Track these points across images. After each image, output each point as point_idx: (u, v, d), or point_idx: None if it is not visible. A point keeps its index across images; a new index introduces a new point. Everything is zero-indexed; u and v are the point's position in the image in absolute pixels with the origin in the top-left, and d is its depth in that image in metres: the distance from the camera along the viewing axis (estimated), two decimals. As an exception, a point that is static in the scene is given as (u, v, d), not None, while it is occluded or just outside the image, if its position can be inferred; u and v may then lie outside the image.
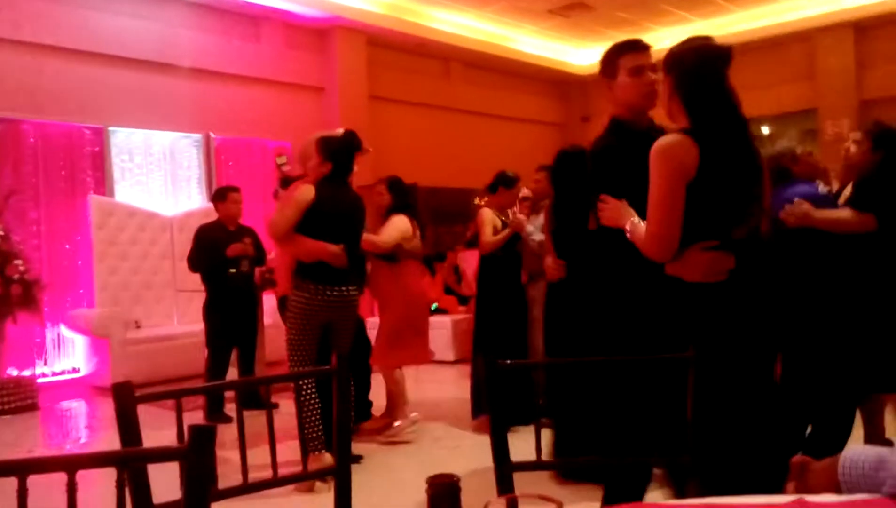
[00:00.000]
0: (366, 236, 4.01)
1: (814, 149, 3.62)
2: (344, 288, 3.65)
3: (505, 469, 1.48)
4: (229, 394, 4.92)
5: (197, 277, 5.14)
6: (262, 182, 7.66)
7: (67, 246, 6.57)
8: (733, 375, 1.94)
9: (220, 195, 5.21)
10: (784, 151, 3.41)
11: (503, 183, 4.75)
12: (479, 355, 4.82)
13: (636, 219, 2.07)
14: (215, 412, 4.75)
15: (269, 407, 1.78)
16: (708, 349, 1.90)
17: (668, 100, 2.06)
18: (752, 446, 2.01)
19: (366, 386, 4.59)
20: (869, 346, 3.18)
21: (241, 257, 4.96)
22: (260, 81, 7.93)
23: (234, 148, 7.78)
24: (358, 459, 3.85)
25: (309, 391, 3.51)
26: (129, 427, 1.24)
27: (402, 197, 4.41)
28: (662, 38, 9.66)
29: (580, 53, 11.03)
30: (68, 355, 6.51)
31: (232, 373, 5.12)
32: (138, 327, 6.48)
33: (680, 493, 2.24)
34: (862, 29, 9.20)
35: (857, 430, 3.29)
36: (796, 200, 3.14)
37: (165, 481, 1.39)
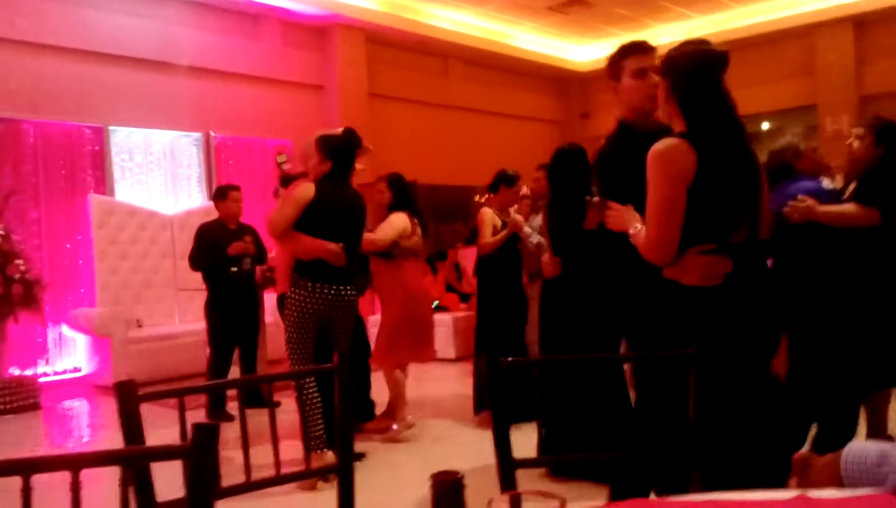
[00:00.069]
0: (364, 234, 4.01)
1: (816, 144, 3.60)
2: (341, 288, 3.63)
3: (507, 467, 1.49)
4: (231, 393, 4.93)
5: (198, 275, 5.15)
6: (261, 181, 7.66)
7: (68, 245, 6.57)
8: (730, 377, 1.94)
9: (220, 194, 5.21)
10: (787, 146, 3.40)
11: (504, 182, 4.76)
12: (481, 352, 4.83)
13: (639, 225, 2.07)
14: (217, 410, 4.75)
15: (272, 405, 1.79)
16: (705, 352, 1.88)
17: (664, 103, 2.07)
18: (750, 444, 2.02)
19: (366, 386, 4.60)
20: (872, 341, 3.18)
21: (242, 256, 4.97)
22: (259, 80, 7.92)
23: (234, 147, 7.78)
24: (361, 457, 3.86)
25: (310, 390, 3.51)
26: (132, 426, 1.24)
27: (403, 194, 4.40)
28: (661, 35, 9.65)
29: (579, 50, 11.02)
30: (70, 354, 6.51)
31: (233, 372, 5.13)
32: (139, 326, 6.48)
33: (678, 489, 2.24)
34: (861, 24, 9.19)
35: (859, 425, 3.29)
36: (799, 195, 3.14)
37: (168, 479, 1.39)
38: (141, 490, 1.21)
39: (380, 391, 4.56)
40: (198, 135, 7.50)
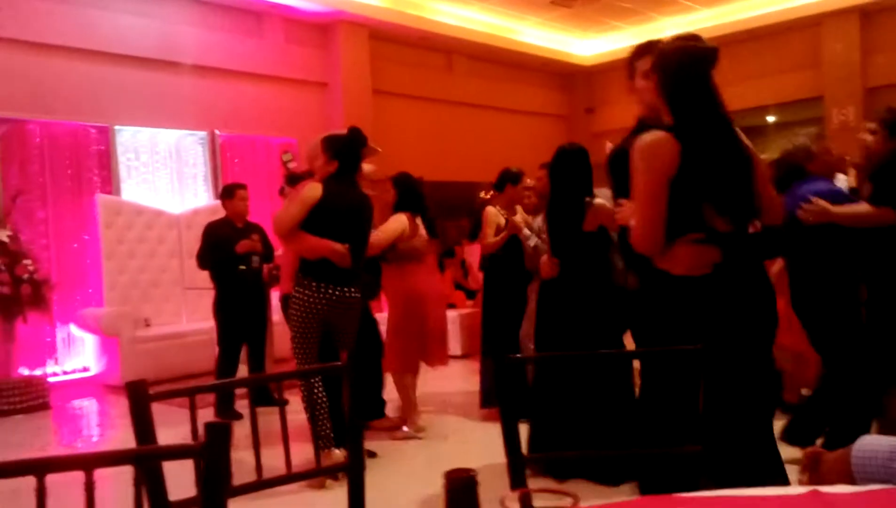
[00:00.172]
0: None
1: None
2: (346, 289, 3.61)
3: (517, 464, 1.49)
4: (239, 391, 4.94)
5: (205, 274, 5.16)
6: (267, 179, 7.67)
7: (76, 245, 6.60)
8: (721, 367, 1.94)
9: (227, 193, 5.22)
10: (799, 148, 3.38)
11: (509, 180, 4.78)
12: (487, 348, 4.83)
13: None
14: (226, 409, 4.78)
15: (281, 404, 1.79)
16: (694, 342, 1.93)
17: (656, 97, 2.11)
18: (745, 432, 2.03)
19: (377, 385, 4.59)
20: (887, 338, 3.18)
21: (250, 254, 4.98)
22: (263, 78, 7.93)
23: (240, 145, 7.79)
24: (372, 455, 3.87)
25: (317, 389, 3.51)
26: (143, 426, 1.25)
27: (407, 194, 4.35)
28: (666, 28, 9.61)
29: (584, 44, 10.98)
30: (78, 354, 6.54)
31: (241, 370, 5.14)
32: (147, 325, 6.50)
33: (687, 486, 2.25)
34: (867, 15, 9.13)
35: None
36: (812, 198, 3.13)
37: (178, 478, 1.40)
38: (153, 490, 1.22)
39: (393, 390, 4.55)
40: (203, 134, 7.51)
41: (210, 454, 0.96)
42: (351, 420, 1.59)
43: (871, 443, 1.15)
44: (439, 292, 4.60)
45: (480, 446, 3.75)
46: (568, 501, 0.80)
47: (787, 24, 9.42)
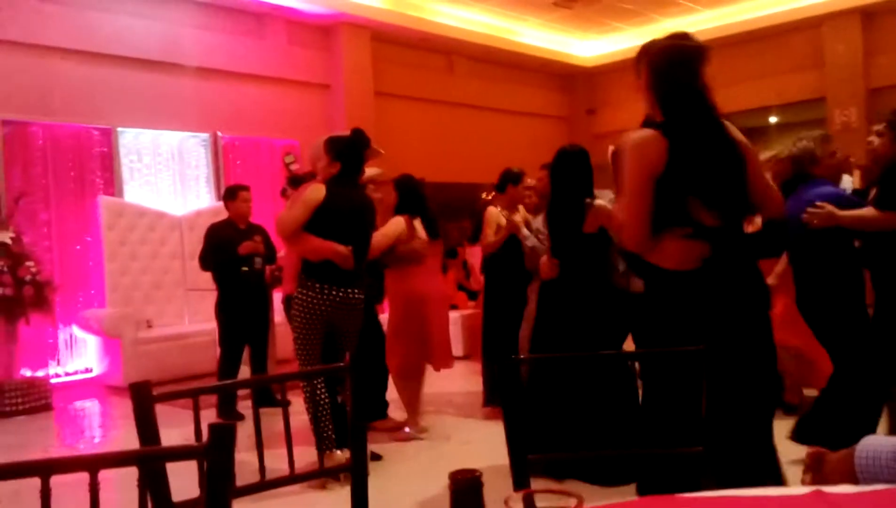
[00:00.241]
0: None
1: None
2: (349, 290, 3.61)
3: (520, 464, 1.49)
4: (241, 392, 4.95)
5: (207, 276, 5.17)
6: (269, 180, 7.68)
7: (78, 247, 6.61)
8: (713, 363, 1.95)
9: (230, 194, 5.23)
10: (803, 152, 3.37)
11: (510, 180, 4.78)
12: (488, 349, 4.84)
13: None
14: (228, 410, 4.78)
15: (284, 405, 1.79)
16: (682, 335, 2.01)
17: (645, 93, 2.14)
18: (740, 431, 2.04)
19: (381, 385, 4.58)
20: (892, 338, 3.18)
21: (252, 256, 4.98)
22: (265, 80, 7.94)
23: (242, 147, 7.80)
24: (377, 457, 3.86)
25: (319, 391, 3.51)
26: (147, 427, 1.25)
27: (407, 197, 4.32)
28: (668, 29, 9.61)
29: (585, 45, 10.99)
30: (81, 355, 6.55)
31: (243, 371, 5.15)
32: (149, 326, 6.52)
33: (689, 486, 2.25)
34: (869, 16, 9.13)
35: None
36: (818, 202, 3.13)
37: (182, 479, 1.40)
38: (156, 491, 1.22)
39: (395, 390, 4.54)
40: (205, 135, 7.52)
41: (214, 455, 0.96)
42: (354, 422, 1.60)
43: (875, 443, 1.15)
44: (441, 294, 4.55)
45: (482, 446, 3.75)
46: (572, 501, 0.81)
47: (789, 25, 9.41)
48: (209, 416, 4.25)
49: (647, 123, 2.39)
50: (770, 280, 3.64)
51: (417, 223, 4.29)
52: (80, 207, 6.60)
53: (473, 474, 0.80)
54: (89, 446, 4.70)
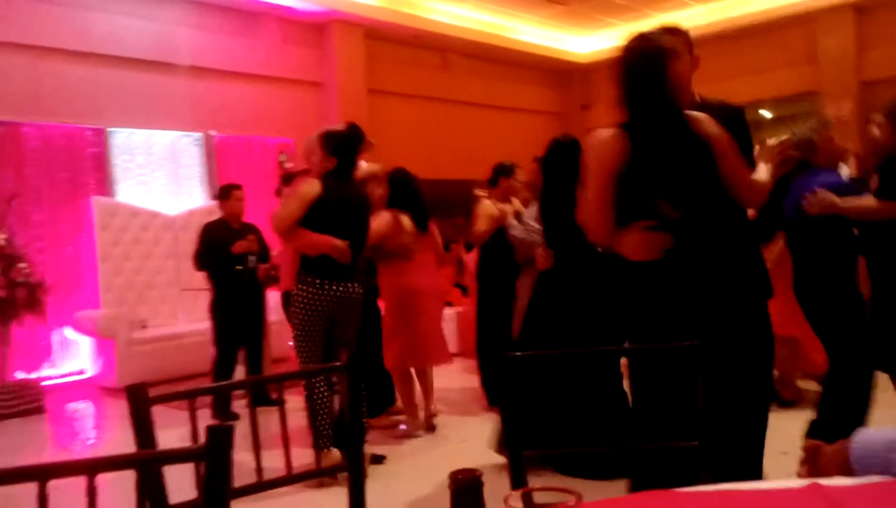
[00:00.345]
0: None
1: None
2: (349, 285, 3.61)
3: (518, 463, 1.48)
4: (236, 391, 4.94)
5: (201, 275, 5.15)
6: (263, 179, 7.66)
7: (71, 248, 6.58)
8: (671, 351, 1.96)
9: (224, 193, 5.22)
10: (802, 140, 3.38)
11: (501, 173, 4.79)
12: (483, 346, 4.84)
13: None
14: (223, 409, 4.77)
15: (280, 404, 1.79)
16: (643, 325, 2.13)
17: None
18: (721, 424, 2.06)
19: (384, 381, 4.56)
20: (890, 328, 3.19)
21: (246, 255, 4.97)
22: (258, 78, 7.92)
23: (235, 146, 7.77)
24: (382, 459, 3.84)
25: (319, 388, 3.50)
26: (144, 430, 1.24)
27: (398, 191, 4.28)
28: (660, 24, 9.62)
29: (579, 42, 10.99)
30: (74, 357, 6.52)
31: (238, 371, 5.14)
32: (143, 327, 6.49)
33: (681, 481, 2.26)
34: (862, 10, 9.15)
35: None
36: (817, 189, 3.13)
37: (178, 480, 1.40)
38: (154, 493, 1.22)
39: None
40: (198, 135, 7.49)
41: (212, 457, 0.96)
42: (352, 420, 1.59)
43: (870, 435, 1.16)
44: (435, 289, 4.50)
45: (480, 443, 3.75)
46: (571, 499, 0.81)
47: (782, 19, 9.43)
48: (204, 416, 4.26)
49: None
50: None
51: (405, 218, 4.25)
52: (73, 207, 6.57)
53: (474, 473, 0.80)
54: (84, 448, 4.68)
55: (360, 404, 1.61)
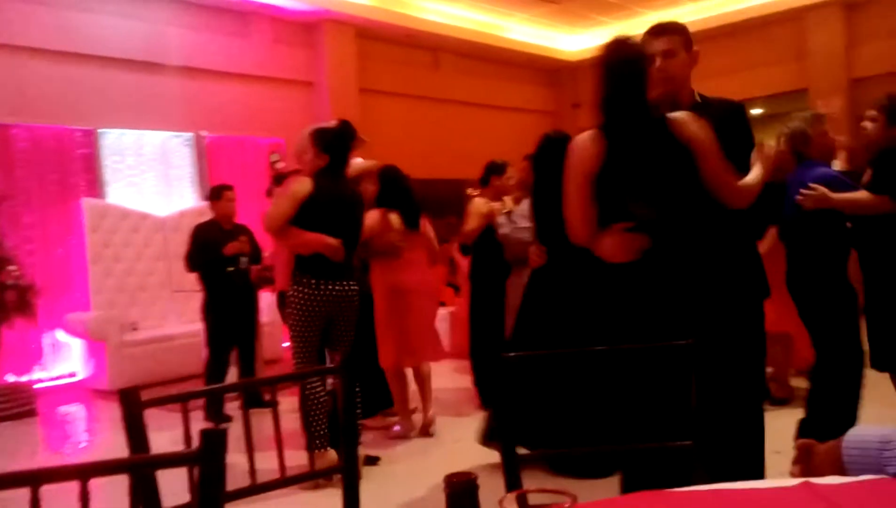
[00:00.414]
0: None
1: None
2: (344, 283, 3.59)
3: (513, 465, 1.48)
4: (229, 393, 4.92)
5: (193, 276, 5.13)
6: (254, 180, 7.62)
7: (61, 250, 6.54)
8: (647, 351, 1.97)
9: (215, 194, 5.20)
10: (796, 132, 3.39)
11: (493, 172, 4.80)
12: (476, 346, 4.84)
13: None
14: (216, 411, 4.75)
15: (273, 405, 1.78)
16: (622, 325, 2.17)
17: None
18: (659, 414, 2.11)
19: (376, 382, 4.55)
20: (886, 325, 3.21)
21: (238, 256, 4.96)
22: (249, 78, 7.89)
23: (226, 146, 7.74)
24: (376, 461, 3.83)
25: (315, 389, 3.49)
26: (137, 434, 1.24)
27: (388, 188, 4.24)
28: (652, 22, 9.64)
29: (570, 40, 11.00)
30: (65, 359, 6.48)
31: (231, 372, 5.12)
32: (135, 329, 6.46)
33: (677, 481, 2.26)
34: (851, 7, 9.20)
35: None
36: (812, 184, 3.15)
37: (171, 484, 1.39)
38: (147, 497, 1.21)
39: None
40: (189, 135, 7.46)
41: (206, 462, 0.95)
42: (346, 421, 1.59)
43: (862, 433, 1.16)
44: (425, 287, 4.42)
45: (473, 444, 3.75)
46: (567, 500, 0.81)
47: (772, 16, 9.47)
48: (197, 417, 4.24)
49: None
50: None
51: (394, 216, 4.22)
52: (63, 209, 6.53)
53: (469, 477, 0.80)
54: (76, 451, 4.65)
55: (354, 405, 1.61)
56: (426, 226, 4.44)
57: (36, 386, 5.88)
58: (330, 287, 3.54)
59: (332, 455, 3.42)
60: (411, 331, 4.25)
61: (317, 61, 8.48)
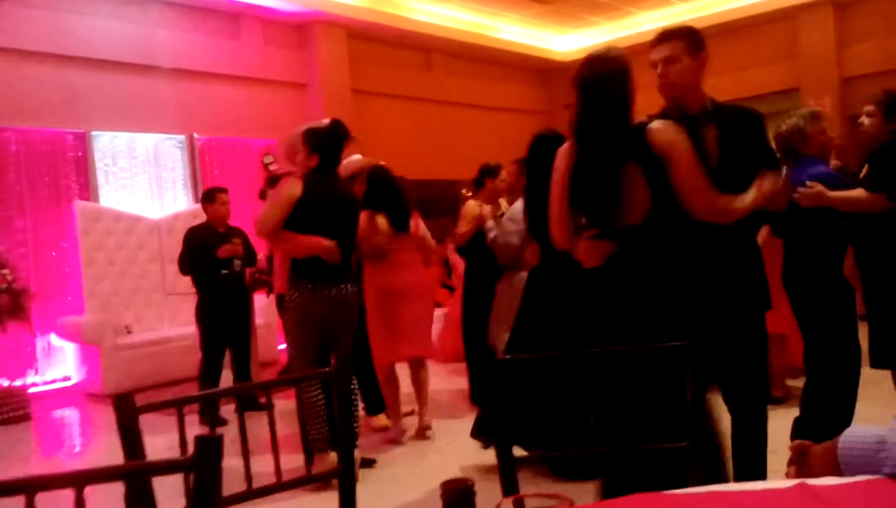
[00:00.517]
0: None
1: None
2: (342, 286, 3.55)
3: (509, 469, 1.48)
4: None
5: (186, 280, 5.12)
6: (247, 181, 7.61)
7: (54, 253, 6.51)
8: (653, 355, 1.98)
9: (208, 197, 5.19)
10: (793, 129, 3.39)
11: (487, 174, 4.80)
12: (470, 349, 4.84)
13: None
14: (210, 415, 4.73)
15: (269, 408, 1.77)
16: (591, 328, 2.25)
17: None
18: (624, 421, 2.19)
19: (373, 381, 4.53)
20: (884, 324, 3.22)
21: (232, 258, 4.95)
22: (241, 80, 7.87)
23: (219, 148, 7.72)
24: (372, 463, 3.82)
25: (313, 392, 3.47)
26: (132, 440, 1.23)
27: (376, 190, 4.18)
28: (644, 23, 9.66)
29: (562, 40, 11.01)
30: (59, 363, 6.45)
31: (225, 375, 5.11)
32: (129, 332, 6.43)
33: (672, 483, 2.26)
34: (842, 6, 9.24)
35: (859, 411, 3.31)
36: (808, 182, 3.15)
37: (166, 488, 1.38)
38: (142, 503, 1.21)
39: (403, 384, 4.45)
40: (181, 137, 7.44)
41: (201, 468, 0.95)
42: (342, 425, 1.59)
43: (857, 434, 1.16)
44: (417, 288, 4.32)
45: (468, 445, 3.75)
46: (564, 504, 0.81)
47: (763, 16, 9.51)
48: (192, 420, 4.22)
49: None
50: None
51: (381, 219, 4.15)
52: (56, 212, 6.50)
53: (465, 483, 0.80)
54: (70, 456, 4.64)
55: (350, 408, 1.60)
56: (419, 226, 4.39)
57: (30, 390, 5.85)
58: (328, 291, 3.49)
59: (333, 457, 3.40)
60: (401, 332, 4.19)
61: (309, 63, 8.47)
